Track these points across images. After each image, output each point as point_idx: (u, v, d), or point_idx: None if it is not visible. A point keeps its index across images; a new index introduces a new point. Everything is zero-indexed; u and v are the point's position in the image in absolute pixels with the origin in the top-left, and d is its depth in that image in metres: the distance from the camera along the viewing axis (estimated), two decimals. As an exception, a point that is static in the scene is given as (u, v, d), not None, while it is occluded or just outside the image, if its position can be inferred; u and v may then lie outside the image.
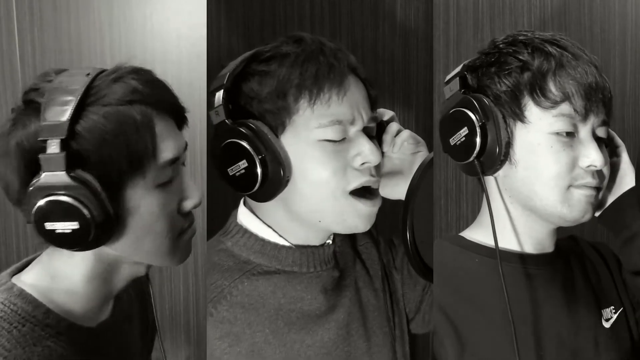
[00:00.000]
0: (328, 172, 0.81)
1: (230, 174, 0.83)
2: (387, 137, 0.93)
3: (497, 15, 1.37)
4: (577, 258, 0.97)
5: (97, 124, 0.66)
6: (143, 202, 0.70)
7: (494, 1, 1.36)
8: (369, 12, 1.34)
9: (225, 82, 0.82)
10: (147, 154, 0.70)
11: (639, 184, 0.88)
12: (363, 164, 0.83)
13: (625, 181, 0.89)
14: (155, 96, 0.72)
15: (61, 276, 0.73)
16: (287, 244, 0.88)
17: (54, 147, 0.64)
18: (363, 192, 0.84)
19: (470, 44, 1.35)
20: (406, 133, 0.93)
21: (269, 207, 0.87)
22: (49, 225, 0.66)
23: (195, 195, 0.76)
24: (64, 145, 0.65)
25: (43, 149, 0.65)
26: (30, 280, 0.74)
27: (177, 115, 0.76)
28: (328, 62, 0.82)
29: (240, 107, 0.84)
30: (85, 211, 0.65)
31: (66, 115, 0.65)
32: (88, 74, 0.69)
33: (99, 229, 0.67)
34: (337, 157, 0.82)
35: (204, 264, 1.41)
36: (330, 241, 0.92)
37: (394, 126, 0.93)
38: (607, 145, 0.90)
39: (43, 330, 0.69)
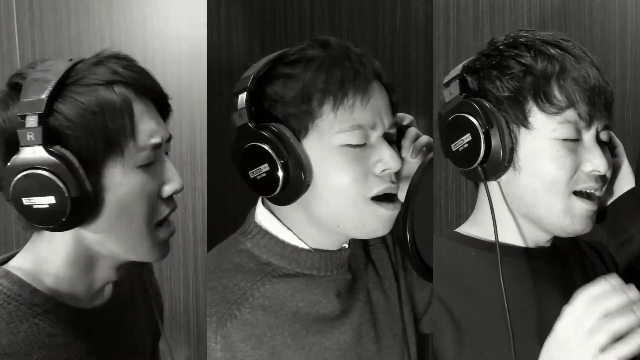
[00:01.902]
0: (349, 178, 0.81)
1: (252, 177, 0.83)
2: (405, 143, 0.92)
3: (497, 15, 1.37)
4: (576, 256, 0.97)
5: (75, 102, 0.68)
6: (122, 182, 0.71)
7: (494, 1, 1.36)
8: (369, 12, 1.34)
9: (249, 84, 0.81)
10: (124, 134, 0.71)
11: (639, 184, 0.88)
12: (384, 170, 0.83)
13: (624, 182, 0.89)
14: (134, 79, 0.73)
15: (44, 261, 0.74)
16: (306, 247, 0.88)
17: (31, 122, 0.66)
18: (383, 197, 0.84)
19: (470, 44, 1.35)
20: (425, 139, 0.93)
21: (288, 210, 0.86)
22: (26, 201, 0.67)
23: (176, 180, 0.77)
24: (42, 120, 0.66)
25: (22, 125, 0.66)
26: (17, 264, 0.75)
27: (160, 102, 0.77)
28: (353, 67, 0.82)
29: (263, 110, 0.84)
30: (62, 185, 0.66)
31: (45, 93, 0.67)
32: (71, 59, 0.72)
33: (75, 204, 0.67)
34: (358, 163, 0.82)
35: (204, 264, 1.41)
36: (346, 245, 0.92)
37: (412, 131, 0.93)
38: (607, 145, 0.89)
39: (29, 309, 0.70)
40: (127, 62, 0.74)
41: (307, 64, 0.82)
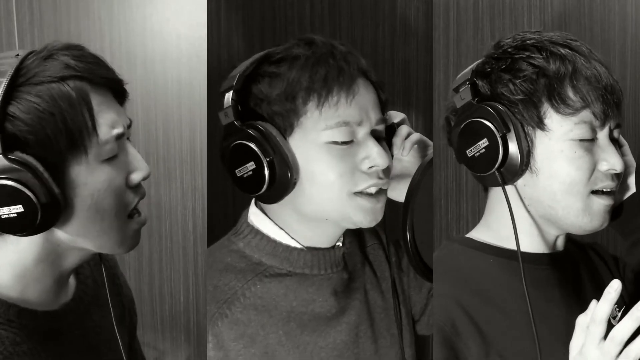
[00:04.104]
0: (335, 175, 0.82)
1: (238, 175, 0.83)
2: (397, 140, 0.92)
3: (497, 15, 1.37)
4: (584, 260, 0.97)
5: (31, 104, 0.65)
6: (89, 179, 0.69)
7: (494, 1, 1.36)
8: (369, 12, 1.34)
9: (234, 83, 0.82)
10: (86, 129, 0.68)
11: (639, 183, 0.88)
12: (371, 167, 0.83)
13: (632, 182, 0.89)
14: (88, 70, 0.70)
15: (7, 266, 0.71)
16: (298, 245, 0.88)
17: None
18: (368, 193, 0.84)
19: (470, 44, 1.35)
20: (416, 136, 0.93)
21: (278, 209, 0.87)
22: None
23: (142, 166, 0.74)
24: None
25: None
26: None
27: (116, 89, 0.74)
28: (338, 65, 0.82)
29: (249, 109, 0.84)
30: (29, 193, 0.64)
31: None
32: (17, 55, 0.68)
33: (45, 210, 0.65)
34: (345, 160, 0.82)
35: (204, 264, 1.41)
36: (340, 243, 0.92)
37: (404, 129, 0.93)
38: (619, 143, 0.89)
39: None
40: (78, 51, 0.71)
41: (291, 63, 0.82)
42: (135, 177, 0.74)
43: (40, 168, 0.65)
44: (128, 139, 0.76)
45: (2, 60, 0.67)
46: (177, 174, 1.39)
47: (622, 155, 0.91)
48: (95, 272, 0.87)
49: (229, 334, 0.83)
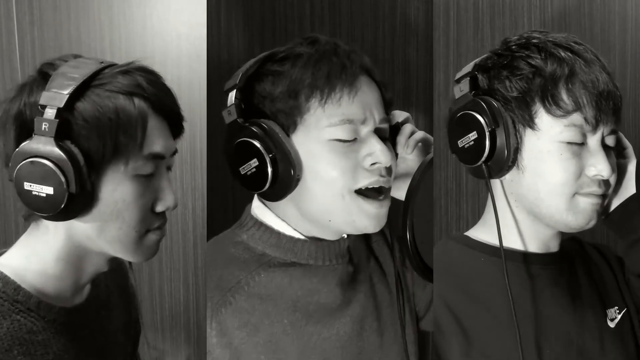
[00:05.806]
0: (337, 172, 0.82)
1: (242, 173, 0.84)
2: (401, 139, 0.92)
3: (497, 15, 1.37)
4: (581, 259, 0.97)
5: (95, 105, 0.71)
6: (119, 188, 0.73)
7: (494, 1, 1.36)
8: (369, 12, 1.34)
9: (238, 81, 0.83)
10: (133, 145, 0.73)
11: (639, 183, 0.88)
12: (374, 164, 0.83)
13: (632, 184, 0.89)
14: (155, 96, 0.75)
15: (35, 256, 0.76)
16: (302, 237, 0.88)
17: (49, 113, 0.69)
18: (371, 192, 0.84)
19: (470, 44, 1.35)
20: (420, 134, 0.93)
21: (281, 206, 0.87)
22: (27, 185, 0.70)
23: (169, 199, 0.78)
24: (59, 114, 0.69)
25: (40, 114, 0.69)
26: (6, 259, 0.77)
27: (174, 121, 0.79)
28: (341, 62, 0.82)
29: (253, 107, 0.85)
30: (62, 178, 0.69)
31: (69, 89, 0.70)
32: (102, 62, 0.74)
33: (71, 199, 0.70)
34: (348, 157, 0.82)
35: (204, 263, 1.41)
36: (345, 236, 0.92)
37: (408, 127, 0.93)
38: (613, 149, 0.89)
39: (12, 305, 0.72)
40: (153, 77, 0.76)
41: (295, 61, 0.83)
42: (160, 206, 0.78)
43: (82, 161, 0.70)
44: (169, 168, 0.81)
45: (87, 62, 0.74)
46: (177, 173, 1.39)
47: (624, 157, 0.91)
48: (109, 278, 0.90)
49: (232, 321, 0.83)
